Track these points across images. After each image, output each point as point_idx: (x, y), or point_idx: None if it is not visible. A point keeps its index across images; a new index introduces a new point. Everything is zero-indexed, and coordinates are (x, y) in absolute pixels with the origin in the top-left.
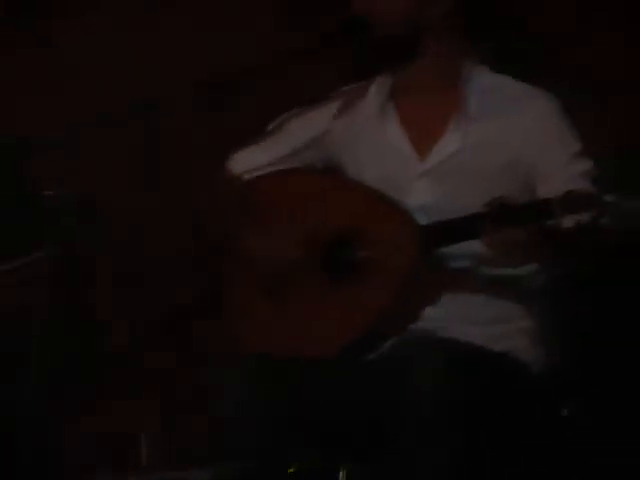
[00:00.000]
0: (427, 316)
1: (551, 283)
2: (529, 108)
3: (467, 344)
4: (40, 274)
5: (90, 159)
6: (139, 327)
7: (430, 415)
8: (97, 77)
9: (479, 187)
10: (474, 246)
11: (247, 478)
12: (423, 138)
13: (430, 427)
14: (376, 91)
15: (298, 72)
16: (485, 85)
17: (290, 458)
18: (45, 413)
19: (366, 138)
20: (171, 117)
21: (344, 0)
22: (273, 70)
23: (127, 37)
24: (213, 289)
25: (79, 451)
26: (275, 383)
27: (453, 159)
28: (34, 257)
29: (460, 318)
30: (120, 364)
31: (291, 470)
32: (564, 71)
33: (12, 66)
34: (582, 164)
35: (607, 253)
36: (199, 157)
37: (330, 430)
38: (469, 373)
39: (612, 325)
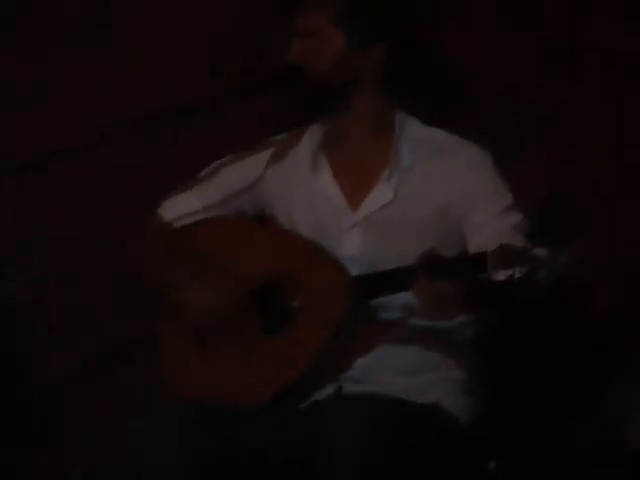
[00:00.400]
0: (354, 366)
1: (480, 334)
2: (460, 160)
3: (392, 395)
4: None
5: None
6: (61, 373)
7: (353, 471)
8: (28, 117)
9: (410, 238)
10: (405, 297)
11: None
12: (355, 189)
13: None
14: (308, 140)
15: (233, 117)
16: (416, 136)
17: None
18: None
19: (298, 188)
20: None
21: (279, 49)
22: (207, 114)
23: (62, 73)
24: (144, 335)
25: None
26: (203, 431)
27: (385, 210)
28: None
29: (387, 368)
30: (43, 409)
31: None
32: (486, 122)
33: None
34: (513, 217)
35: (538, 306)
36: (129, 203)
37: (257, 476)
38: (395, 426)
39: (540, 377)
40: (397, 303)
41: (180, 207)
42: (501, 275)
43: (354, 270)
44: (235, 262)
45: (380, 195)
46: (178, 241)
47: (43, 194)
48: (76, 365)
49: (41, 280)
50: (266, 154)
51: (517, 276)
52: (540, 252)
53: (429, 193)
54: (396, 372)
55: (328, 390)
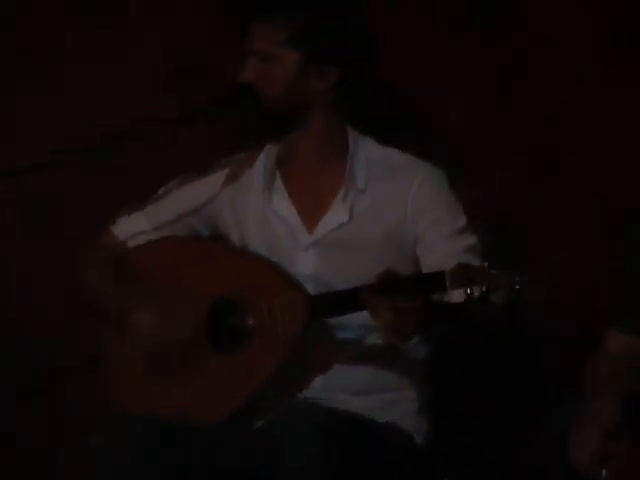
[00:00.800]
0: (310, 385)
1: (435, 353)
2: (415, 180)
3: (348, 414)
4: None
5: None
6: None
7: None
8: None
9: (365, 258)
10: (362, 318)
11: None
12: (311, 210)
13: None
14: (263, 161)
15: (186, 138)
16: (371, 156)
17: None
18: None
19: (253, 209)
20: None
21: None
22: (158, 134)
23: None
24: (95, 353)
25: None
26: (160, 446)
27: (340, 231)
28: None
29: (343, 388)
30: None
31: None
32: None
33: None
34: (467, 239)
35: (494, 323)
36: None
37: None
38: (350, 442)
39: (495, 394)
40: (354, 323)
41: (131, 226)
42: (459, 294)
43: (310, 290)
44: (188, 282)
45: (335, 216)
46: (128, 264)
47: None
48: (28, 381)
49: None
50: (220, 175)
51: (475, 294)
52: (497, 272)
53: (384, 213)
54: (352, 392)
55: (280, 409)
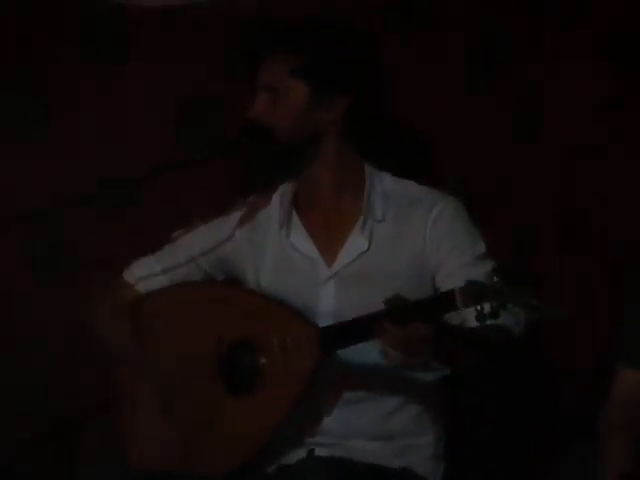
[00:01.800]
0: (326, 430)
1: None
2: (434, 210)
3: (362, 464)
4: None
5: None
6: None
7: None
8: None
9: (385, 289)
10: (374, 355)
11: None
12: (329, 243)
13: None
14: (279, 200)
15: (200, 180)
16: (388, 189)
17: None
18: None
19: (271, 246)
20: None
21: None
22: (174, 177)
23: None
24: (104, 400)
25: None
26: None
27: (360, 261)
28: None
29: (360, 432)
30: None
31: None
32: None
33: None
34: (486, 265)
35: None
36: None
37: None
38: None
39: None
40: (367, 363)
41: (142, 270)
42: (471, 312)
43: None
44: (200, 327)
45: (354, 245)
46: (143, 313)
47: None
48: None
49: None
50: (234, 216)
51: (486, 311)
52: (508, 287)
53: (403, 243)
54: (367, 437)
55: (299, 454)
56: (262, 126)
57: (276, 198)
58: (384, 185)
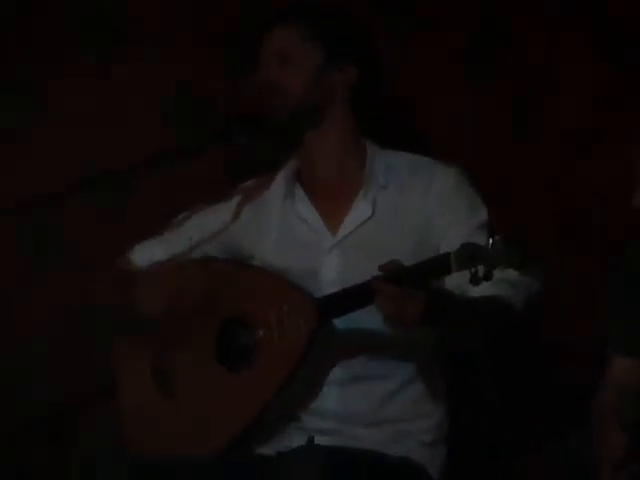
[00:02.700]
0: (325, 411)
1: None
2: (435, 177)
3: (362, 452)
4: None
5: None
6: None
7: None
8: None
9: (390, 257)
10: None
11: None
12: (333, 213)
13: None
14: (282, 176)
15: (200, 166)
16: (390, 159)
17: None
18: None
19: (275, 218)
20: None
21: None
22: (164, 168)
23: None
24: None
25: None
26: None
27: (364, 228)
28: None
29: (358, 416)
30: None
31: None
32: None
33: None
34: (485, 235)
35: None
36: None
37: None
38: (367, 478)
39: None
40: (365, 334)
41: (146, 254)
42: (465, 274)
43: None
44: (196, 303)
45: (358, 212)
46: (144, 282)
47: None
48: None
49: None
50: (235, 200)
51: (480, 274)
52: (501, 249)
53: (407, 210)
54: (366, 422)
55: (298, 441)
56: (257, 112)
57: (280, 176)
58: (386, 155)
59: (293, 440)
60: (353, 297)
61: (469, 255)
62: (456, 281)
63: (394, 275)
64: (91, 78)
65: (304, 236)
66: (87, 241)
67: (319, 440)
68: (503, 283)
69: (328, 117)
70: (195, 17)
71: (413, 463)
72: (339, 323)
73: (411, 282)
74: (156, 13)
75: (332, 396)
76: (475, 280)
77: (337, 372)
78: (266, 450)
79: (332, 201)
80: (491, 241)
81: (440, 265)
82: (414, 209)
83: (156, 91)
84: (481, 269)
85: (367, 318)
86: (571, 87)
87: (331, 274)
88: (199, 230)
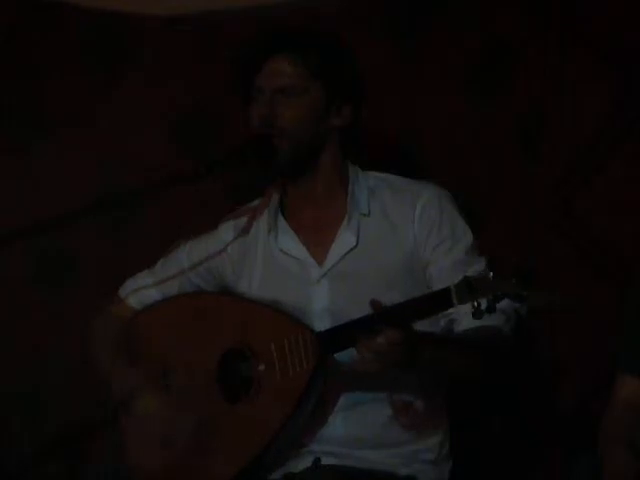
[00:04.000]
0: (330, 436)
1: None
2: (419, 202)
3: (368, 471)
4: None
5: None
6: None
7: None
8: None
9: (378, 285)
10: None
11: None
12: (318, 243)
13: None
14: (267, 210)
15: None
16: (372, 184)
17: None
18: None
19: (262, 253)
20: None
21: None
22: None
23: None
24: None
25: None
26: None
27: (349, 258)
28: None
29: (363, 440)
30: None
31: None
32: None
33: None
34: (475, 260)
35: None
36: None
37: None
38: None
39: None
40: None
41: (133, 284)
42: (467, 307)
43: (326, 322)
44: (195, 337)
45: (343, 242)
46: (134, 334)
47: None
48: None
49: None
50: (224, 228)
51: (483, 307)
52: (502, 279)
53: (392, 238)
54: (372, 445)
55: (305, 462)
56: (265, 139)
57: (267, 209)
58: (368, 181)
59: (300, 462)
60: (354, 333)
61: (471, 288)
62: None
63: (393, 310)
64: (91, 106)
65: (291, 269)
66: (90, 268)
67: (326, 461)
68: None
69: (321, 158)
70: (195, 44)
71: None
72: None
73: (412, 317)
74: (166, 32)
75: (336, 422)
76: (477, 314)
77: (340, 400)
78: (273, 475)
79: (317, 232)
80: (492, 274)
81: (441, 299)
82: (398, 235)
83: (165, 110)
84: (484, 302)
85: None
86: (582, 106)
87: (321, 304)
88: (188, 260)
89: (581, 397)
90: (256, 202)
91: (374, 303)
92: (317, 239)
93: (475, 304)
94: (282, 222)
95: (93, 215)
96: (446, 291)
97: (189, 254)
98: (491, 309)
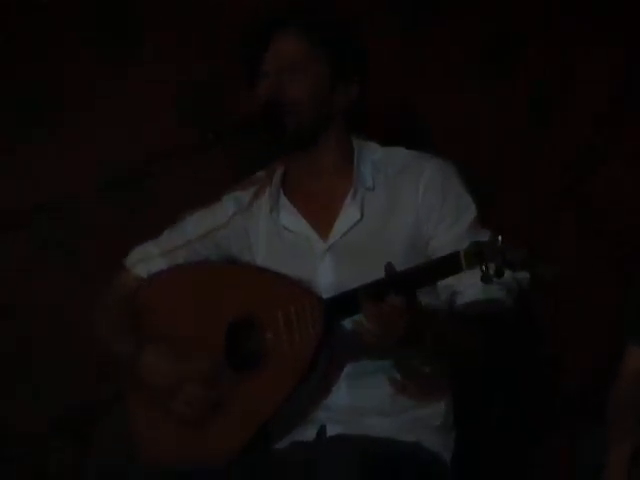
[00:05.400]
0: (336, 405)
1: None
2: (423, 175)
3: (374, 439)
4: None
5: None
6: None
7: None
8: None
9: (383, 258)
10: None
11: None
12: (322, 218)
13: None
14: (269, 189)
15: (203, 165)
16: (376, 158)
17: None
18: None
19: (264, 232)
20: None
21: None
22: (176, 165)
23: (30, 134)
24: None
25: None
26: None
27: (354, 232)
28: None
29: (369, 408)
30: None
31: None
32: None
33: None
34: (478, 234)
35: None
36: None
37: None
38: (380, 464)
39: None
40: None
41: (139, 254)
42: (476, 272)
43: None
44: (202, 307)
45: (348, 216)
46: (140, 305)
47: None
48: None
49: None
50: (227, 200)
51: (491, 272)
52: (511, 247)
53: (396, 211)
54: (377, 413)
55: (311, 430)
56: (273, 115)
57: (267, 188)
58: (372, 154)
59: (306, 430)
60: (362, 296)
61: (479, 253)
62: (447, 280)
63: (403, 275)
64: (108, 79)
65: (295, 245)
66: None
67: (330, 429)
68: (494, 284)
69: (327, 134)
70: (211, 17)
71: (426, 449)
72: (345, 321)
73: (421, 282)
74: (172, 14)
75: (342, 392)
76: (486, 278)
77: (346, 368)
78: (279, 445)
79: (320, 206)
80: (500, 238)
81: (450, 263)
82: (402, 209)
83: (172, 91)
84: (492, 266)
85: None
86: (587, 88)
87: (327, 279)
88: (193, 229)
89: (582, 380)
90: (261, 173)
91: (389, 266)
92: (321, 215)
93: (483, 268)
94: (284, 200)
95: (105, 189)
96: (455, 256)
97: (195, 225)
98: (500, 273)
